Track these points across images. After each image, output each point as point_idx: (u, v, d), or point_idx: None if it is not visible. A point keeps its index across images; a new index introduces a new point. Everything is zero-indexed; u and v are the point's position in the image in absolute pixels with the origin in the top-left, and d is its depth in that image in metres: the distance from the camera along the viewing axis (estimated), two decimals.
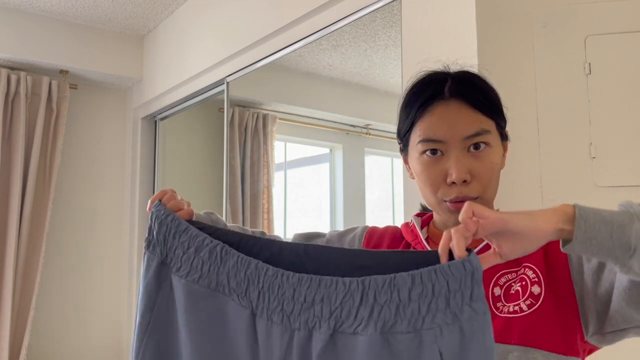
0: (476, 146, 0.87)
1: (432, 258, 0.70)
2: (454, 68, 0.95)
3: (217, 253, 0.81)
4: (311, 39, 2.16)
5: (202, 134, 3.47)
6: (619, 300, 0.77)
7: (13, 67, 3.13)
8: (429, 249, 0.91)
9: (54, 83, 3.17)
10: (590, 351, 0.86)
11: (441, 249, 0.69)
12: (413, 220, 1.01)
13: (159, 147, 3.50)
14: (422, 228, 0.99)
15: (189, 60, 2.94)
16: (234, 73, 2.64)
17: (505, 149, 0.95)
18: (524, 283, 0.84)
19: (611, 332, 0.81)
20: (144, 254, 0.88)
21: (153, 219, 0.87)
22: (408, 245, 0.98)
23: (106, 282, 3.44)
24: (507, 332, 0.81)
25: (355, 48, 2.45)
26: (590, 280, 0.81)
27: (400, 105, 0.95)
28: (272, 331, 0.75)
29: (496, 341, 0.76)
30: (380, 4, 1.81)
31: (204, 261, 0.82)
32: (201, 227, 0.86)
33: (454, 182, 0.86)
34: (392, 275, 0.69)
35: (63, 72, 3.24)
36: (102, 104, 3.54)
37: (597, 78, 1.50)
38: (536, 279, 0.84)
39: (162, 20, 3.22)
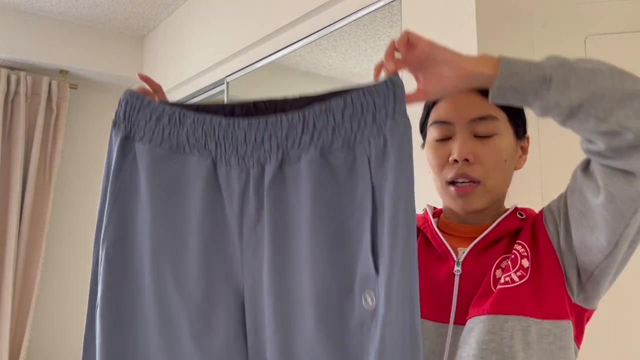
0: (484, 134, 0.90)
1: (361, 87, 0.78)
2: None
3: (176, 117, 0.86)
4: (311, 39, 2.16)
5: None
6: (575, 232, 0.85)
7: (13, 67, 3.13)
8: (439, 233, 0.95)
9: (54, 83, 3.17)
10: (588, 318, 0.90)
11: (375, 68, 0.78)
12: (427, 207, 1.03)
13: None
14: (433, 217, 1.02)
15: (189, 60, 2.94)
16: (234, 73, 2.64)
17: (523, 150, 0.97)
18: (513, 257, 0.88)
19: (587, 280, 0.86)
20: (110, 135, 0.93)
21: (120, 104, 0.94)
22: (418, 229, 0.99)
23: None
24: (502, 303, 0.84)
25: (355, 48, 2.45)
26: (563, 238, 0.88)
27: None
28: (231, 174, 0.82)
29: (492, 312, 0.82)
30: (380, 4, 1.81)
31: (164, 126, 0.87)
32: (162, 103, 0.92)
33: (456, 160, 0.89)
34: (327, 101, 0.77)
35: (63, 72, 3.23)
36: (102, 104, 3.53)
37: None
38: (525, 253, 0.88)
39: (162, 20, 3.22)
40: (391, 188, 0.72)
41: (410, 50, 0.77)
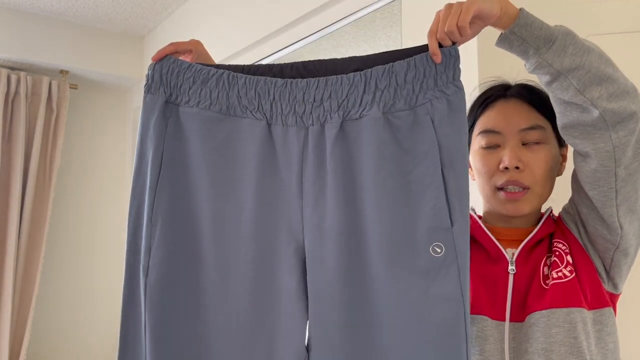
0: (533, 142, 0.96)
1: (418, 51, 0.82)
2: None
3: (224, 79, 0.86)
4: (311, 39, 2.16)
5: None
6: (587, 227, 0.93)
7: (13, 67, 3.13)
8: (491, 235, 0.99)
9: (54, 83, 3.17)
10: (615, 303, 0.97)
11: (430, 37, 0.83)
12: (471, 211, 1.08)
13: None
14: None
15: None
16: None
17: (563, 157, 1.03)
18: (558, 254, 0.94)
19: (609, 267, 0.93)
20: (144, 99, 0.90)
21: (151, 67, 0.92)
22: None
23: (106, 282, 3.44)
24: (560, 297, 0.89)
25: (355, 48, 2.45)
26: (583, 234, 0.96)
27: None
28: (288, 133, 0.83)
29: (553, 307, 0.88)
30: (380, 4, 1.81)
31: (211, 89, 0.86)
32: (204, 65, 0.92)
33: (506, 168, 0.94)
34: (390, 64, 0.81)
35: (63, 72, 3.23)
36: (102, 104, 3.53)
37: None
38: (567, 250, 0.94)
39: (162, 21, 3.22)
40: (458, 148, 0.78)
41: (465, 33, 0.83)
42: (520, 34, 0.83)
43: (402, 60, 0.81)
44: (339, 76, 0.82)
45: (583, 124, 0.84)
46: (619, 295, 0.97)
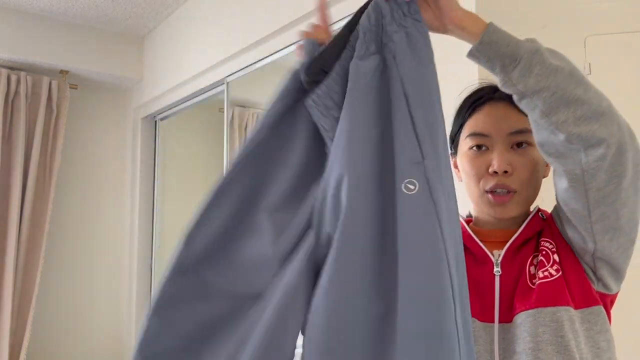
0: (519, 145, 0.96)
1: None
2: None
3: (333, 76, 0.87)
4: None
5: (202, 134, 3.47)
6: (569, 218, 0.91)
7: (13, 67, 3.13)
8: (476, 239, 0.99)
9: (54, 83, 3.17)
10: (612, 302, 0.96)
11: None
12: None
13: (159, 147, 3.50)
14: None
15: (189, 60, 2.94)
16: (234, 73, 2.64)
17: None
18: (544, 252, 0.94)
19: (596, 268, 0.92)
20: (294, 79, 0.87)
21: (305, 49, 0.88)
22: None
23: (106, 282, 3.44)
24: (547, 296, 0.89)
25: None
26: (564, 233, 0.95)
27: (454, 113, 1.04)
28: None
29: (539, 306, 0.87)
30: None
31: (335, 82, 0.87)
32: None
33: (495, 172, 0.94)
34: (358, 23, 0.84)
35: (63, 72, 3.24)
36: (102, 104, 3.54)
37: (597, 78, 1.50)
38: (554, 249, 0.94)
39: (162, 20, 3.22)
40: (422, 80, 0.77)
41: None
42: (485, 51, 0.81)
43: (364, 14, 0.83)
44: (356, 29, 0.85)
45: (553, 144, 0.83)
46: (613, 295, 0.96)
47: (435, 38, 0.85)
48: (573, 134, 0.79)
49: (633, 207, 0.86)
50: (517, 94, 0.82)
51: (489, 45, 0.81)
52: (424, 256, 0.71)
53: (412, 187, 0.74)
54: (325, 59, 0.86)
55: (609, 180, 0.82)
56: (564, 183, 0.86)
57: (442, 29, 0.84)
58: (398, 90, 0.78)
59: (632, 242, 0.90)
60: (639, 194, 0.85)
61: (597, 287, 0.93)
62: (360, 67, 0.81)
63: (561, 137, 0.80)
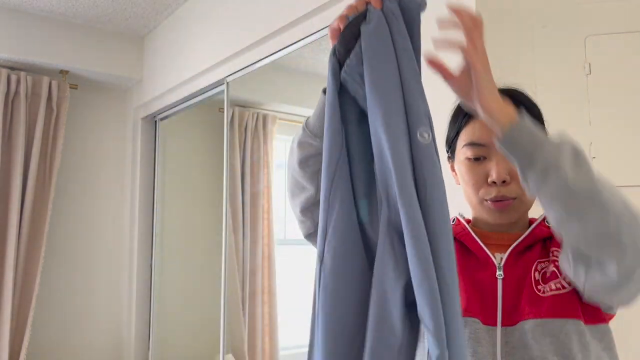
0: None
1: None
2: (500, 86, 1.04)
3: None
4: (311, 39, 2.16)
5: (202, 134, 3.47)
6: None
7: (13, 67, 3.13)
8: (479, 241, 0.99)
9: (54, 83, 3.17)
10: (609, 319, 0.95)
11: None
12: (458, 217, 1.07)
13: (159, 147, 3.50)
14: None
15: (189, 60, 2.93)
16: (234, 73, 2.64)
17: None
18: (556, 264, 0.93)
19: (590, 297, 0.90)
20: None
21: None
22: (454, 238, 1.03)
23: (106, 281, 3.44)
24: (558, 307, 0.89)
25: None
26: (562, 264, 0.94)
27: (449, 117, 1.04)
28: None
29: (549, 316, 0.87)
30: None
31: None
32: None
33: (494, 182, 0.95)
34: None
35: (63, 72, 3.24)
36: (102, 104, 3.54)
37: (597, 78, 1.50)
38: None
39: (162, 20, 3.22)
40: (407, 47, 0.81)
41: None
42: (506, 146, 0.82)
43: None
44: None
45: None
46: (611, 315, 0.95)
47: (430, 32, 0.86)
48: (578, 250, 0.81)
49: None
50: (531, 191, 0.83)
51: (510, 144, 0.82)
52: (442, 208, 0.75)
53: (426, 135, 0.77)
54: (355, 25, 0.89)
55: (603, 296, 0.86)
56: (565, 253, 0.86)
57: (470, 104, 0.85)
58: (389, 53, 0.81)
59: (635, 296, 0.87)
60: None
61: (601, 306, 0.92)
62: (369, 28, 0.84)
63: (569, 248, 0.82)
